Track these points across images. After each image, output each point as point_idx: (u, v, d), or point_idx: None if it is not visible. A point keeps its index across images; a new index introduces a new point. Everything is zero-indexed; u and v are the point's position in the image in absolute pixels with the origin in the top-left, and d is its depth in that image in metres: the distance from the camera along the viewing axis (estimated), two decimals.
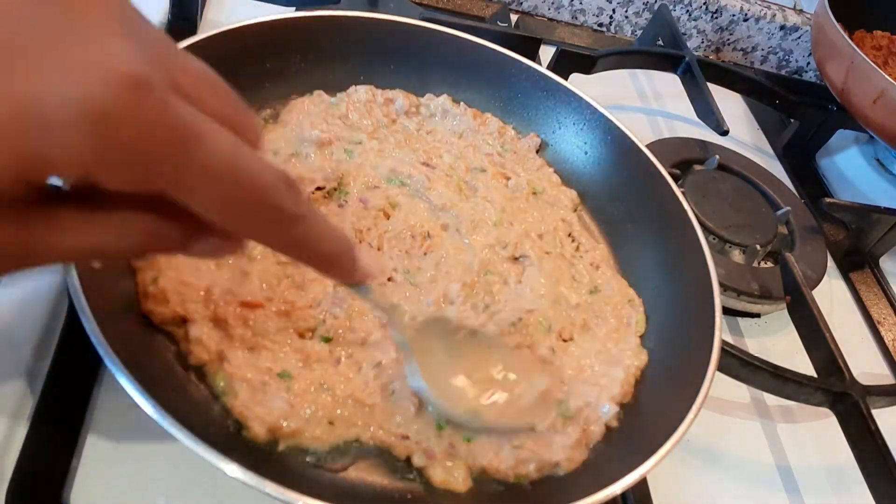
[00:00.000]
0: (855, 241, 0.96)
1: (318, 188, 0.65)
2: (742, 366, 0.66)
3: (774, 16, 1.26)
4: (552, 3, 1.19)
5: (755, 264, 0.83)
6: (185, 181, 0.28)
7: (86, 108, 0.24)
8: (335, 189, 0.65)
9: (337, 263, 0.38)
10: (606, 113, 0.75)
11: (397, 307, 0.53)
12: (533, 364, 0.56)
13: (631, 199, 0.73)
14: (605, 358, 0.61)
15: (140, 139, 0.25)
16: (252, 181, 0.29)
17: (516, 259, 0.66)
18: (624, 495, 0.58)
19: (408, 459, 0.51)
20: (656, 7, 1.17)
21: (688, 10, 1.23)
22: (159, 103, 0.26)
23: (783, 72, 1.34)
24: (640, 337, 0.64)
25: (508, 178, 0.73)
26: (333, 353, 0.54)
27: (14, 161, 0.24)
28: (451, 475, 0.50)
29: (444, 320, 0.55)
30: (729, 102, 1.15)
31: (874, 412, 0.66)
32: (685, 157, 0.92)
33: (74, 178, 0.27)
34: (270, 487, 0.41)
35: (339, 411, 0.51)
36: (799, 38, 1.29)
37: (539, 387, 0.54)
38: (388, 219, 0.65)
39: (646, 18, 1.22)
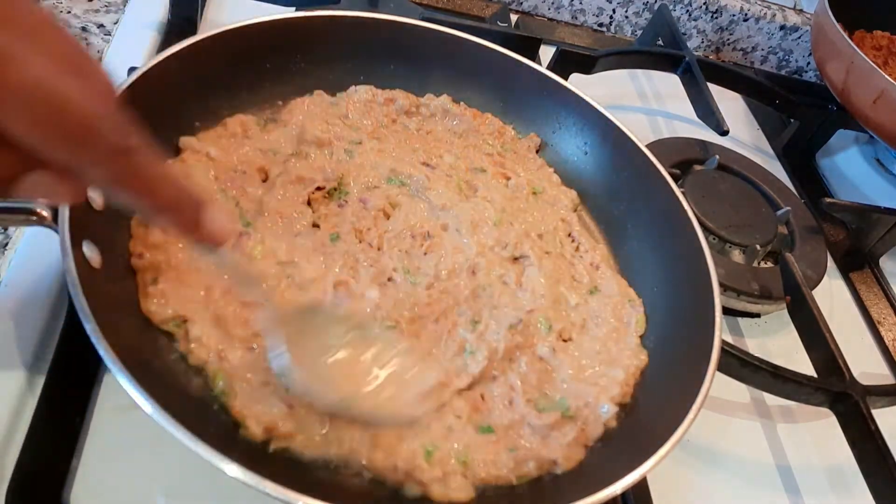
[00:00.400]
0: (855, 241, 0.96)
1: (319, 188, 0.65)
2: (742, 366, 0.66)
3: (774, 16, 1.26)
4: (552, 3, 1.19)
5: (755, 264, 0.83)
6: None
7: None
8: (335, 189, 0.65)
9: (175, 210, 0.38)
10: (606, 113, 0.75)
11: (259, 280, 0.49)
12: (423, 358, 0.55)
13: (631, 199, 0.73)
14: (605, 358, 0.61)
15: None
16: (70, 105, 0.31)
17: (516, 259, 0.66)
18: (624, 495, 0.58)
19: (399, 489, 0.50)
20: (656, 7, 1.17)
21: (688, 10, 1.23)
22: None
23: (783, 72, 1.34)
24: (640, 337, 0.64)
25: (508, 178, 0.73)
26: None
27: None
28: (450, 488, 0.49)
29: (325, 311, 0.53)
30: (729, 102, 1.14)
31: (874, 412, 0.66)
32: (685, 157, 0.92)
33: None
34: (270, 487, 0.41)
35: (325, 429, 0.50)
36: (799, 38, 1.29)
37: (429, 381, 0.52)
38: (388, 219, 0.65)
39: (646, 18, 1.22)
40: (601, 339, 0.62)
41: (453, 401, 0.54)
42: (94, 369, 0.54)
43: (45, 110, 0.30)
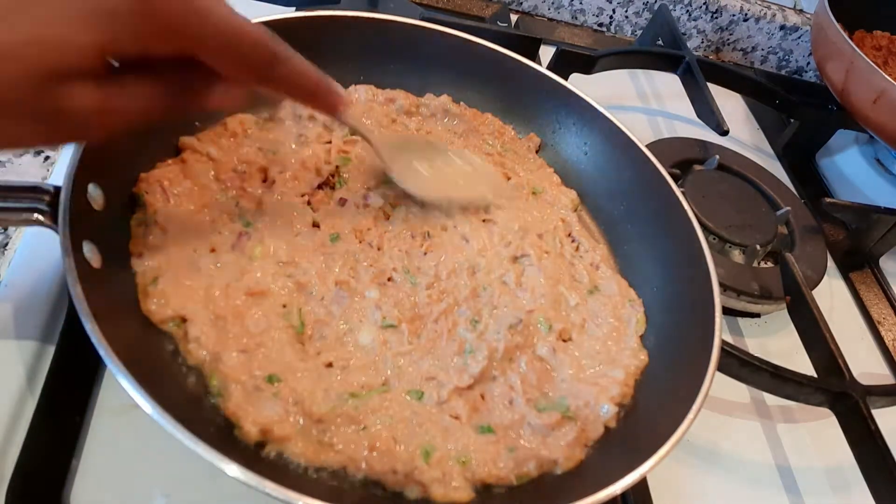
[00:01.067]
0: (855, 241, 0.96)
1: (319, 187, 0.65)
2: (742, 366, 0.66)
3: (774, 16, 1.26)
4: (552, 3, 1.19)
5: (755, 264, 0.83)
6: (202, 38, 0.41)
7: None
8: (333, 175, 0.65)
9: (318, 94, 0.50)
10: (606, 113, 0.75)
11: (372, 130, 0.64)
12: (486, 169, 0.72)
13: (631, 199, 0.73)
14: (605, 358, 0.61)
15: (170, 13, 0.39)
16: (247, 33, 0.42)
17: (516, 259, 0.66)
18: (624, 495, 0.58)
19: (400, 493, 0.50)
20: (656, 7, 1.17)
21: (688, 10, 1.23)
22: None
23: (783, 72, 1.34)
24: (640, 337, 0.64)
25: (508, 178, 0.73)
26: (322, 357, 0.54)
27: (99, 38, 0.37)
28: (450, 488, 0.49)
29: (411, 139, 0.71)
30: (729, 102, 1.15)
31: (874, 412, 0.66)
32: (685, 157, 0.92)
33: (136, 50, 0.39)
34: (270, 487, 0.41)
35: (328, 434, 0.50)
36: (799, 38, 1.29)
37: (496, 177, 0.71)
38: (387, 219, 0.65)
39: (646, 18, 1.22)
40: (601, 338, 0.62)
41: (452, 400, 0.54)
42: (94, 369, 0.54)
43: (234, 39, 0.42)
